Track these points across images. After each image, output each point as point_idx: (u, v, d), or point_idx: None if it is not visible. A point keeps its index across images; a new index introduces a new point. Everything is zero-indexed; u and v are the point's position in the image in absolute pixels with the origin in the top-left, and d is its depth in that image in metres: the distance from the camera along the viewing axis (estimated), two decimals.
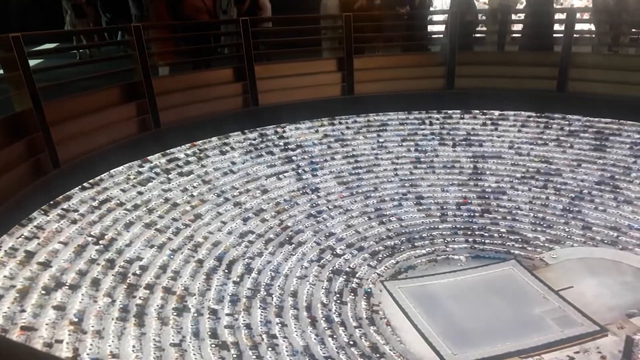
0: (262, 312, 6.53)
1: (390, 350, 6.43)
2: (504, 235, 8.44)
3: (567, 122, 9.36)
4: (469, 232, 8.61)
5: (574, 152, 9.24)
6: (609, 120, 8.99)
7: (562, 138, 9.38)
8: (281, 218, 8.32)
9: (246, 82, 7.93)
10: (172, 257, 6.53)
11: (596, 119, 9.09)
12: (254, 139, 8.91)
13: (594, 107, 9.08)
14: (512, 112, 9.81)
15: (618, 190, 8.42)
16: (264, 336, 6.18)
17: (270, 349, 5.97)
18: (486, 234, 8.52)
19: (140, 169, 7.28)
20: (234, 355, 5.64)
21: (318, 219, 8.52)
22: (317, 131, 9.50)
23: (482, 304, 7.23)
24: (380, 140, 10.02)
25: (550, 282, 7.32)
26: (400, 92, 9.62)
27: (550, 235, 8.22)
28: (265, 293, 6.94)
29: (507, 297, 7.20)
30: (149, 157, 7.40)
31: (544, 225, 8.48)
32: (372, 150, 9.85)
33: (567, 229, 8.23)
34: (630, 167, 8.62)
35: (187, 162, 7.90)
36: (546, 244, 8.06)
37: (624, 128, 8.84)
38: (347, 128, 9.80)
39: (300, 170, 9.20)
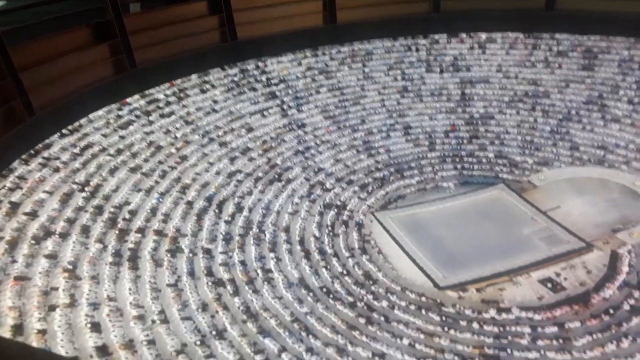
0: (256, 248, 6.62)
1: (382, 277, 6.62)
2: (492, 160, 8.50)
3: (555, 42, 9.17)
4: (457, 159, 8.66)
5: (562, 73, 9.14)
6: (597, 37, 8.77)
7: (550, 59, 9.23)
8: (269, 156, 8.25)
9: (222, 15, 7.54)
10: (160, 200, 6.47)
11: (585, 37, 8.87)
12: (235, 75, 8.66)
13: (583, 24, 8.81)
14: (499, 34, 9.52)
15: (606, 108, 8.42)
16: (259, 271, 6.29)
17: (266, 282, 6.10)
18: (474, 160, 8.59)
19: (119, 112, 7.08)
20: (230, 292, 5.75)
21: (306, 155, 8.47)
22: (300, 64, 9.23)
23: (472, 228, 7.40)
24: (366, 70, 9.77)
25: (538, 203, 7.47)
26: (385, 18, 9.25)
27: (538, 157, 8.29)
28: (258, 230, 7.00)
29: (496, 220, 7.36)
30: (127, 100, 7.18)
31: (532, 148, 8.54)
32: (357, 81, 9.63)
33: (554, 151, 8.29)
34: (618, 85, 8.54)
35: (168, 103, 7.67)
36: (534, 167, 8.15)
37: (613, 45, 8.67)
38: (331, 59, 9.54)
39: (285, 106, 9.03)
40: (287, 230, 7.64)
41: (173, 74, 7.78)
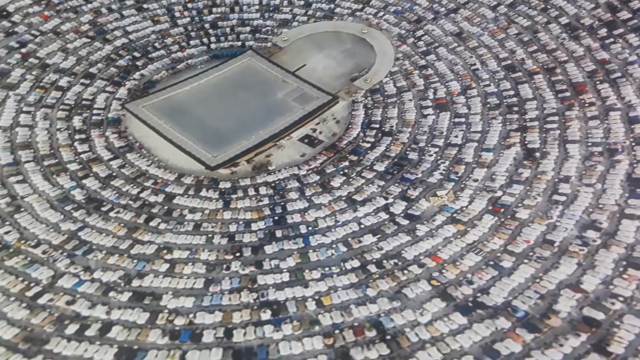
0: None
1: (154, 170, 6.35)
2: (236, 28, 8.36)
3: None
4: (202, 33, 8.28)
5: None
6: None
7: None
8: None
9: None
10: None
11: None
12: None
13: None
14: None
15: None
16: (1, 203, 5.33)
17: (16, 212, 5.18)
18: (219, 32, 8.34)
19: None
20: None
21: (23, 51, 7.03)
22: None
23: (230, 102, 7.47)
24: None
25: (286, 64, 7.86)
26: None
27: (277, 19, 8.47)
28: None
29: (251, 88, 7.55)
30: None
31: (271, 9, 8.63)
32: None
33: (291, 10, 8.53)
34: None
35: None
36: (275, 29, 8.31)
37: None
38: None
39: None
40: (28, 146, 6.55)
41: None
